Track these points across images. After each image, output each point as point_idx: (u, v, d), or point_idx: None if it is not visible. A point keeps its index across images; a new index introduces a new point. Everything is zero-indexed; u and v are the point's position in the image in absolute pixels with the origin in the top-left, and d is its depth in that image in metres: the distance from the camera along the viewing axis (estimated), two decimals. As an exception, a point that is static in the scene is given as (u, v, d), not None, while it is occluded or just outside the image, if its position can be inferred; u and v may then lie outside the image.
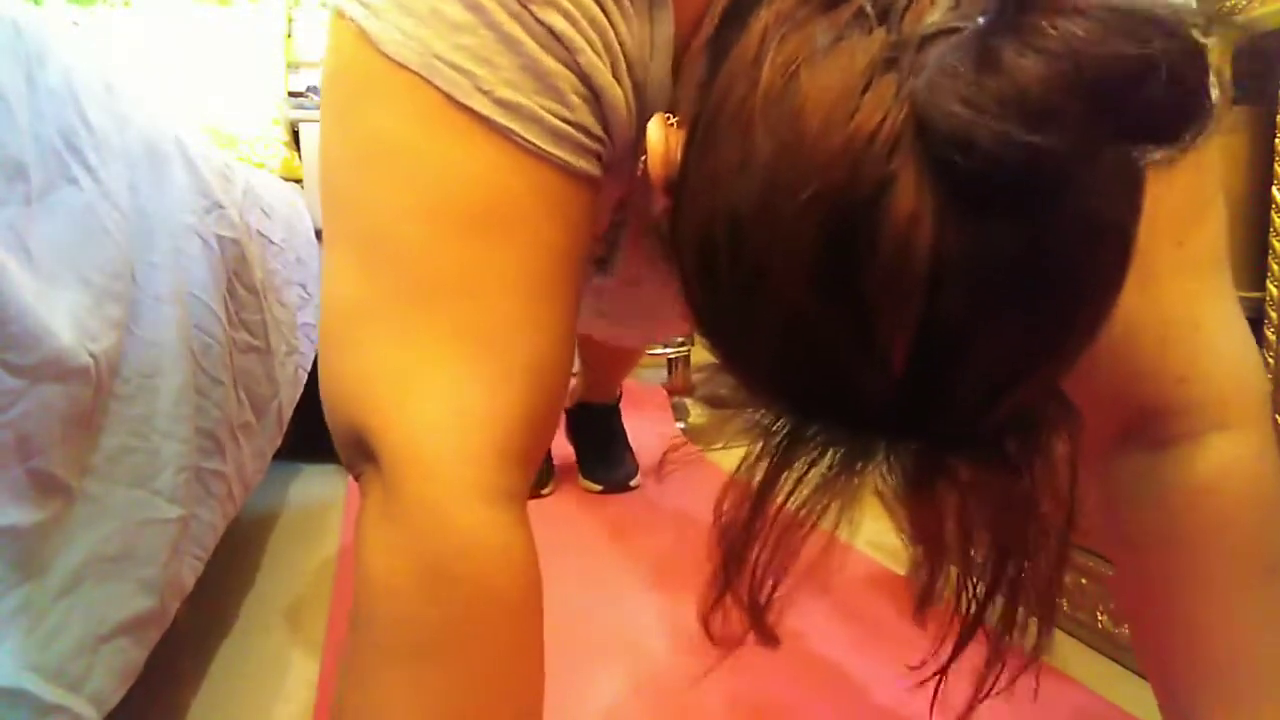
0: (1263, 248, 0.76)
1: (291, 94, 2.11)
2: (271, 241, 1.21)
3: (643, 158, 0.42)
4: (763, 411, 0.39)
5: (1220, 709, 0.51)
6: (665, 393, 2.18)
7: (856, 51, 0.30)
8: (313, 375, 1.55)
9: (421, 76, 0.41)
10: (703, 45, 0.41)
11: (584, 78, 0.42)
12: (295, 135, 1.92)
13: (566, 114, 0.42)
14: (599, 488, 1.51)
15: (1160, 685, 0.56)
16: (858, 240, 0.30)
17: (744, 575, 0.41)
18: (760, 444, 0.39)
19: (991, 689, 0.44)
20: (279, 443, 1.14)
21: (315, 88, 2.09)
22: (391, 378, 0.43)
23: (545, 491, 1.51)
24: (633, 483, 1.53)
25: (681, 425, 2.10)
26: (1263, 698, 0.51)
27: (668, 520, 1.43)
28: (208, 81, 1.96)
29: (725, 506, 0.41)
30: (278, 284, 1.22)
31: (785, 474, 0.38)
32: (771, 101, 0.32)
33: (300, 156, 1.86)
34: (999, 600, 0.41)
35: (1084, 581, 0.94)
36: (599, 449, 1.54)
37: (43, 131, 0.51)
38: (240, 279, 0.96)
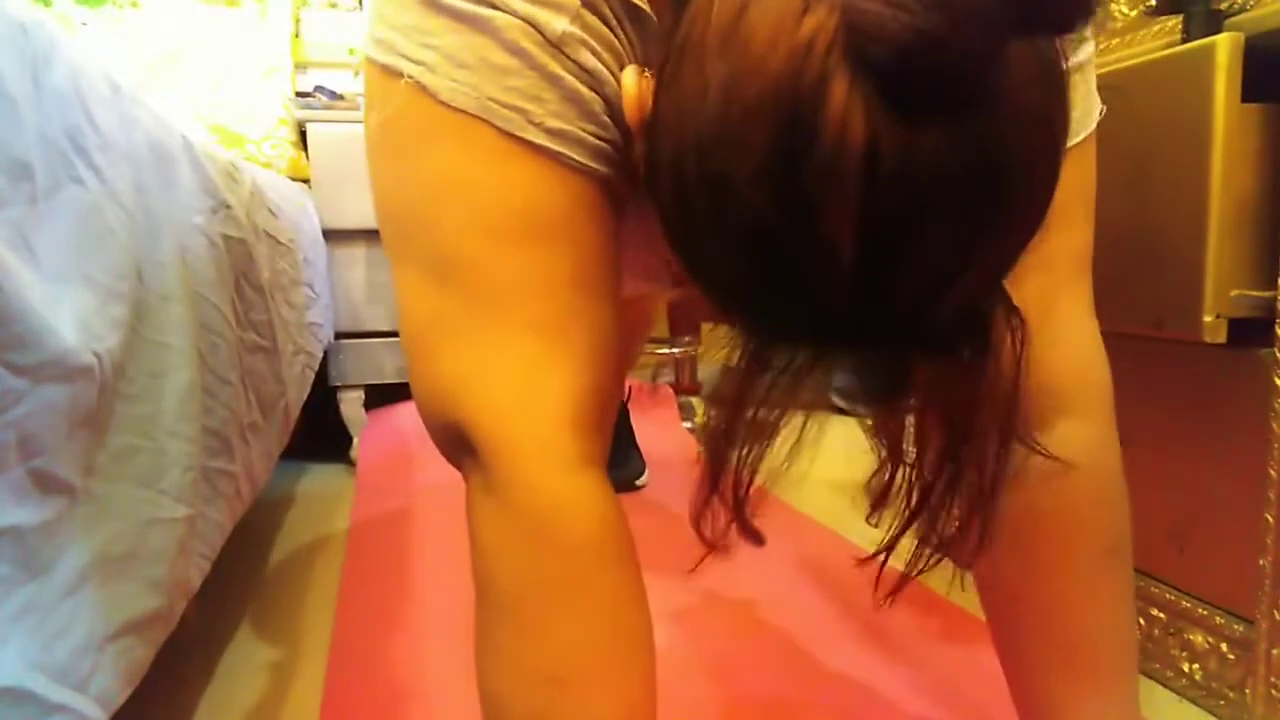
0: (1273, 247, 0.75)
1: (299, 94, 2.11)
2: (279, 241, 1.21)
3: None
4: (738, 323, 0.42)
5: (1064, 683, 0.57)
6: (672, 392, 2.18)
7: None
8: (319, 375, 1.56)
9: (479, 117, 0.47)
10: (667, 2, 0.46)
11: (608, 101, 0.49)
12: (302, 135, 1.92)
13: (601, 132, 0.49)
14: None
15: (1007, 658, 0.62)
16: (800, 139, 0.33)
17: (726, 476, 0.46)
18: (737, 352, 0.43)
19: (923, 567, 0.48)
20: (286, 442, 1.14)
21: (323, 87, 2.09)
22: (473, 375, 0.49)
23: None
24: (639, 481, 1.53)
25: (689, 425, 2.09)
26: (1103, 673, 0.57)
27: (674, 519, 1.43)
28: (215, 82, 1.96)
29: (709, 415, 0.46)
30: (285, 284, 1.22)
31: (758, 378, 0.42)
32: (724, 33, 0.35)
33: (307, 156, 1.87)
34: (940, 490, 0.44)
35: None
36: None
37: (49, 131, 0.51)
38: (247, 279, 0.96)
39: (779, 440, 0.45)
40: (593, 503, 0.50)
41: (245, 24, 2.04)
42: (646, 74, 0.44)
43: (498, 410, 0.49)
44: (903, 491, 0.46)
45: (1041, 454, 0.48)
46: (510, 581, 0.49)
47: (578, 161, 0.48)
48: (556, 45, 0.46)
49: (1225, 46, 0.74)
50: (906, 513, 0.46)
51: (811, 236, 0.34)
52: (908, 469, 0.46)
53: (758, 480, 0.46)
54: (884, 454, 0.46)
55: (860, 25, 0.31)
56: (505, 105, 0.47)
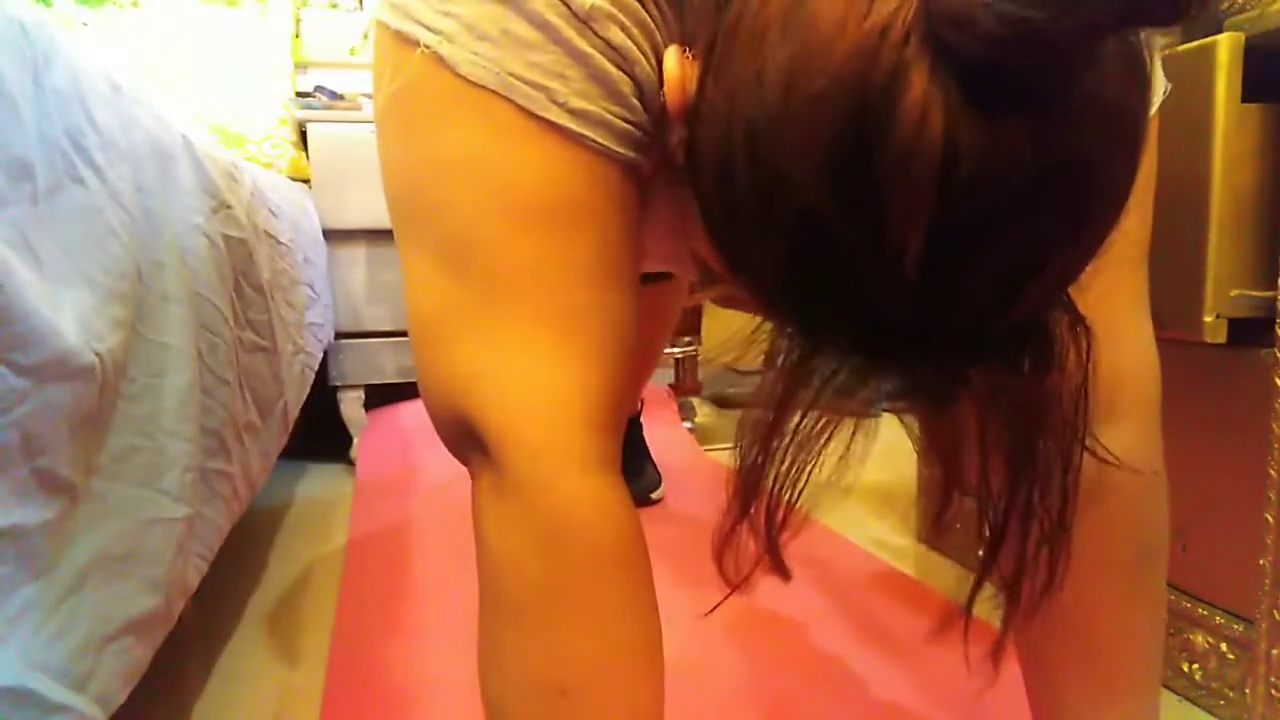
0: (1273, 247, 0.75)
1: (299, 94, 2.11)
2: (279, 241, 1.21)
3: (663, 93, 0.45)
4: (780, 329, 0.40)
5: (1083, 690, 0.55)
6: (672, 392, 2.18)
7: None
8: (319, 375, 1.56)
9: (498, 93, 0.44)
10: None
11: (638, 83, 0.46)
12: (303, 135, 1.92)
13: (628, 115, 0.46)
14: None
15: (1028, 661, 0.60)
16: (871, 132, 0.30)
17: (760, 499, 0.42)
18: (778, 361, 0.40)
19: (1010, 626, 0.45)
20: (285, 442, 1.14)
21: (323, 88, 2.09)
22: (485, 369, 0.47)
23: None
24: (655, 494, 1.52)
25: (689, 425, 2.09)
26: (1124, 682, 0.55)
27: (669, 520, 1.43)
28: (215, 82, 1.96)
29: (744, 432, 0.42)
30: (285, 284, 1.22)
31: (801, 391, 0.39)
32: (785, 12, 0.33)
33: (307, 156, 1.86)
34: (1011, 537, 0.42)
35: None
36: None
37: (49, 131, 0.51)
38: (247, 279, 0.96)
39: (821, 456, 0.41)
40: (607, 506, 0.47)
41: (245, 24, 2.04)
42: (689, 55, 0.42)
43: (510, 406, 0.46)
44: (954, 515, 0.43)
45: (1112, 463, 0.45)
46: (518, 586, 0.47)
47: (601, 145, 0.45)
48: (584, 20, 0.43)
49: (1225, 46, 0.74)
50: (981, 551, 0.43)
51: (876, 236, 0.32)
52: (977, 499, 0.42)
53: (796, 504, 0.42)
54: (940, 475, 0.43)
55: (945, 11, 0.29)
56: (527, 82, 0.44)
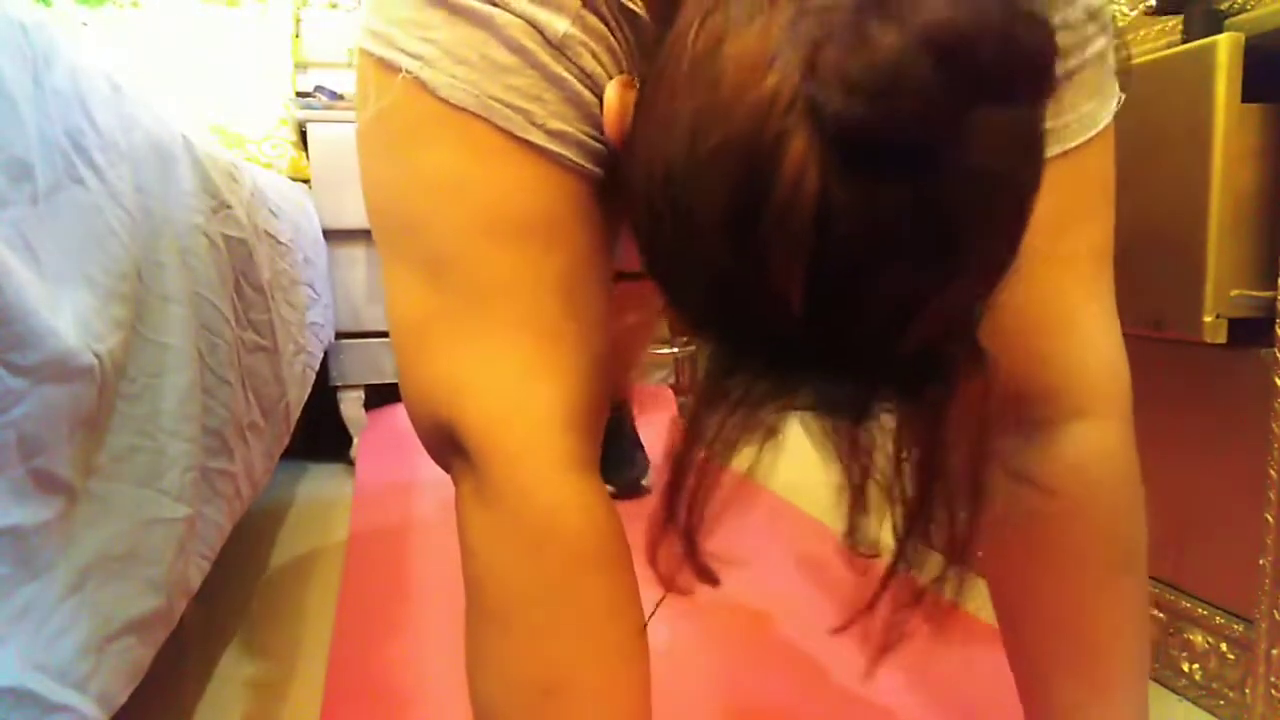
0: (1273, 247, 0.75)
1: (299, 94, 2.11)
2: (279, 241, 1.21)
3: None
4: (703, 345, 0.42)
5: (1072, 687, 0.56)
6: (672, 393, 2.17)
7: (771, 24, 0.34)
8: (320, 375, 1.56)
9: (478, 115, 0.46)
10: (658, 7, 0.47)
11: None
12: (303, 135, 1.92)
13: (598, 134, 0.48)
14: (611, 490, 1.50)
15: (1017, 661, 0.61)
16: (758, 188, 0.33)
17: (681, 507, 0.44)
18: (700, 377, 0.42)
19: (902, 629, 0.48)
20: (286, 442, 1.14)
21: (323, 88, 2.09)
22: (465, 376, 0.48)
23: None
24: (645, 481, 1.53)
25: (688, 425, 2.09)
26: (1113, 678, 0.56)
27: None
28: (216, 82, 1.96)
29: (673, 441, 0.44)
30: (285, 284, 1.22)
31: (717, 405, 0.41)
32: (697, 67, 0.35)
33: (307, 156, 1.86)
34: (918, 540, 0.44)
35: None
36: (609, 448, 1.54)
37: (49, 132, 0.51)
38: (247, 279, 0.96)
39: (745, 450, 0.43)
40: (587, 507, 0.49)
41: (245, 24, 2.04)
42: (634, 84, 0.45)
43: (490, 412, 0.48)
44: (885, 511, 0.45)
45: (1026, 482, 0.49)
46: (502, 588, 0.48)
47: (576, 163, 0.48)
48: (558, 47, 0.46)
49: (1225, 46, 0.74)
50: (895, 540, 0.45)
51: (764, 281, 0.34)
52: (889, 484, 0.44)
53: (707, 509, 0.44)
54: (849, 472, 0.45)
55: (819, 88, 0.32)
56: (506, 104, 0.46)
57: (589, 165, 0.48)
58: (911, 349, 0.36)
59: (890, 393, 0.40)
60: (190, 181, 0.80)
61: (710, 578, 0.47)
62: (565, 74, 0.46)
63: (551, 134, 0.47)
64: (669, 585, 0.46)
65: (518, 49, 0.45)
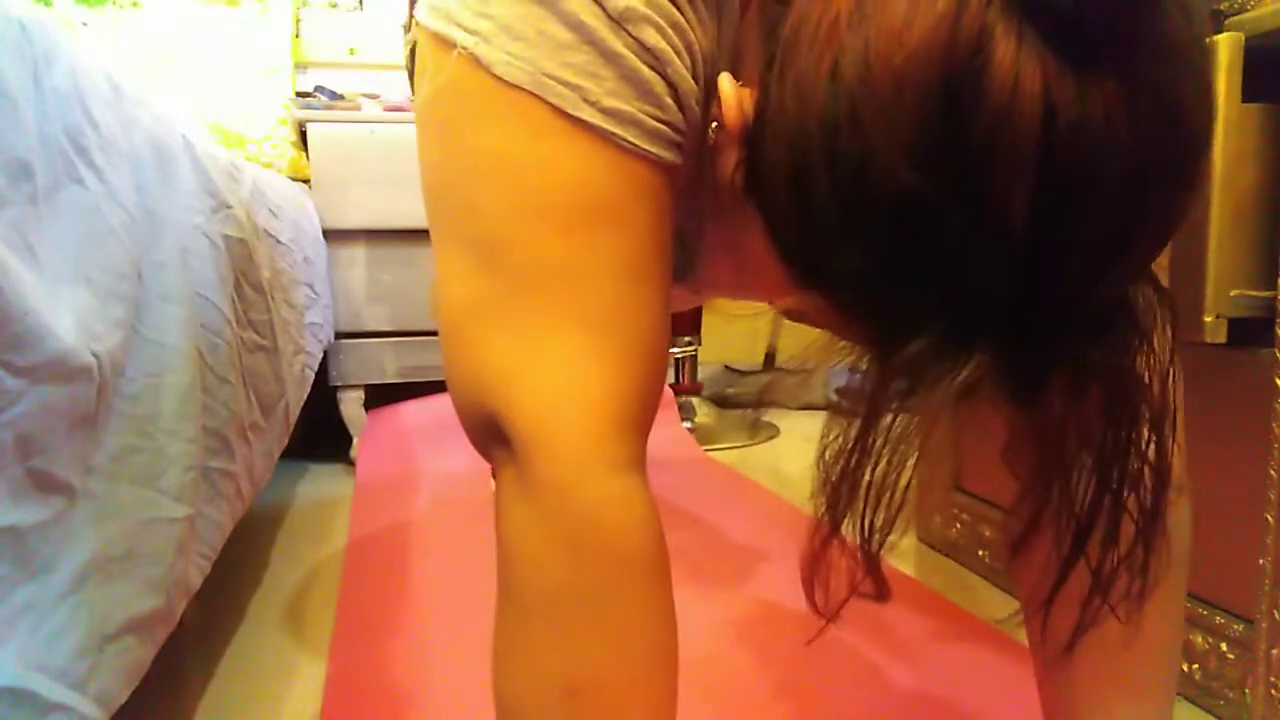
0: (1273, 247, 0.75)
1: (299, 94, 2.11)
2: (279, 241, 1.21)
3: (713, 125, 0.46)
4: (866, 324, 0.39)
5: (1099, 683, 0.55)
6: (672, 393, 2.18)
7: None
8: (319, 375, 1.56)
9: (532, 93, 0.44)
10: (758, 7, 0.45)
11: (671, 83, 0.46)
12: (303, 135, 1.92)
13: (660, 114, 0.46)
14: None
15: (1042, 660, 0.59)
16: (962, 99, 0.31)
17: (854, 508, 0.41)
18: (864, 362, 0.39)
19: (1093, 620, 0.45)
20: (286, 442, 1.14)
21: (323, 88, 2.09)
22: (513, 366, 0.47)
23: None
24: None
25: (689, 425, 2.09)
26: (1139, 683, 0.55)
27: (670, 520, 1.43)
28: (216, 82, 1.96)
29: (828, 439, 0.41)
30: (285, 283, 1.22)
31: (889, 386, 0.37)
32: (852, 8, 0.33)
33: (307, 156, 1.87)
34: (1100, 527, 0.41)
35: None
36: None
37: (49, 131, 0.51)
38: (247, 278, 0.96)
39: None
40: (632, 510, 0.47)
41: (245, 24, 2.05)
42: (741, 82, 0.43)
43: (537, 404, 0.46)
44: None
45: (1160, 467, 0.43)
46: (535, 583, 0.47)
47: (633, 144, 0.46)
48: (618, 21, 0.44)
49: (1225, 46, 0.74)
50: (1061, 556, 0.42)
51: (977, 205, 0.32)
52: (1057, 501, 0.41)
53: (895, 513, 0.40)
54: (1022, 484, 0.41)
55: None
56: (561, 81, 0.44)
57: (648, 147, 0.46)
58: (1121, 281, 0.34)
59: (1077, 349, 0.36)
60: (190, 181, 0.80)
61: (885, 590, 0.44)
62: (623, 50, 0.44)
63: (606, 112, 0.45)
64: (829, 619, 0.44)
65: (575, 24, 0.44)
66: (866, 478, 0.40)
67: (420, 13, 0.48)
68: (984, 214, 0.32)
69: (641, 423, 0.49)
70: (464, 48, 0.45)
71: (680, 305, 1.26)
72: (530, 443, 0.46)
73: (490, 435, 0.48)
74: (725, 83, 0.43)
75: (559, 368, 0.46)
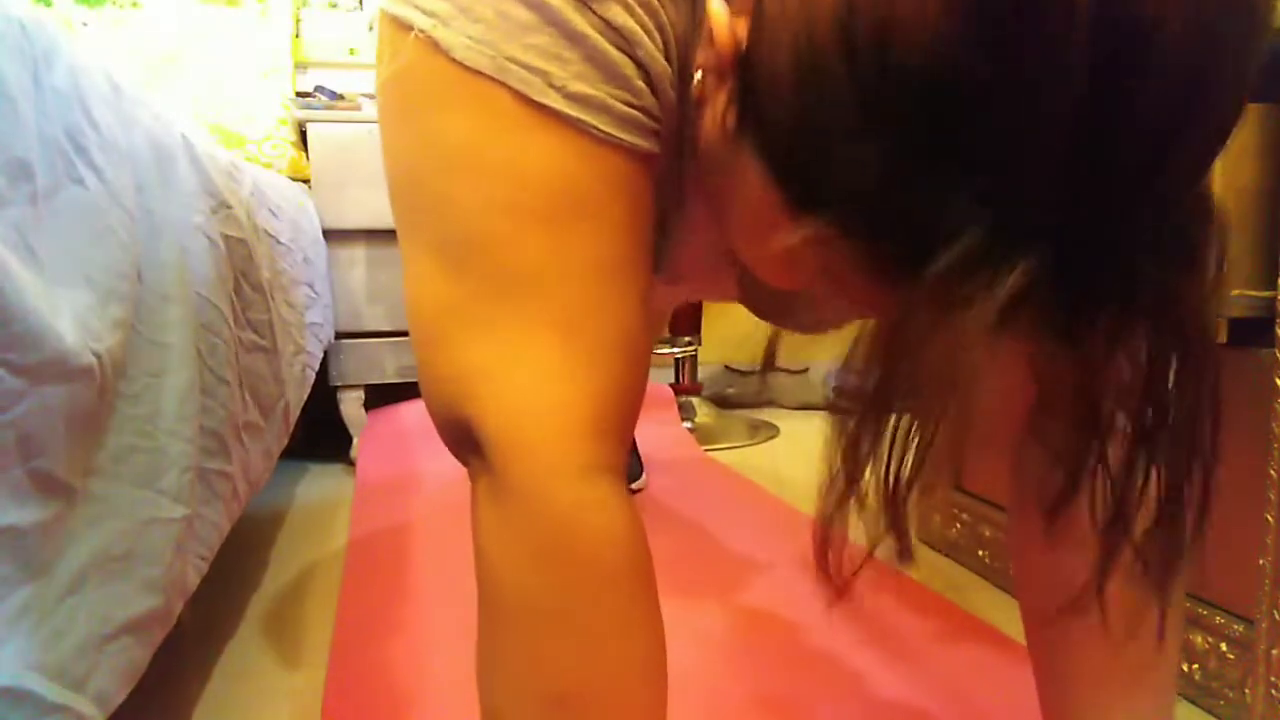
0: (1273, 246, 0.75)
1: (299, 94, 2.12)
2: (279, 241, 1.21)
3: (697, 77, 0.43)
4: (884, 245, 0.34)
5: (1098, 679, 0.54)
6: (672, 392, 2.18)
7: None
8: (319, 375, 1.56)
9: (494, 79, 0.42)
10: None
11: (642, 65, 0.44)
12: (303, 135, 1.92)
13: (632, 99, 0.44)
14: None
15: (1040, 659, 0.58)
16: None
17: (878, 454, 0.36)
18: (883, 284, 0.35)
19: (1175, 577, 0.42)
20: (285, 442, 1.14)
21: (323, 88, 2.09)
22: (486, 369, 0.45)
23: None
24: (635, 485, 1.53)
25: (689, 425, 2.09)
26: (1139, 681, 0.54)
27: (669, 521, 1.43)
28: (215, 81, 1.96)
29: (850, 372, 0.37)
30: (285, 283, 1.22)
31: (920, 311, 0.32)
32: None
33: (307, 156, 1.87)
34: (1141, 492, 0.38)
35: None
36: None
37: (49, 131, 0.51)
38: (247, 278, 0.96)
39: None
40: (608, 514, 0.46)
41: (245, 24, 2.05)
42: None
43: (510, 410, 0.45)
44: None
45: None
46: (513, 591, 0.46)
47: (604, 132, 0.43)
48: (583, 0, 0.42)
49: (1225, 46, 0.74)
50: (1103, 517, 0.38)
51: (1022, 72, 0.28)
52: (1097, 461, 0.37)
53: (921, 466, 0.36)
54: (1058, 447, 0.38)
55: None
56: (523, 65, 0.42)
57: (619, 134, 0.44)
58: (1173, 185, 0.31)
59: (1131, 263, 0.32)
60: (190, 181, 0.80)
61: (908, 551, 0.39)
62: (588, 30, 0.42)
63: (572, 97, 0.42)
64: (841, 592, 0.40)
65: (537, 5, 0.41)
66: (892, 421, 0.35)
67: None
68: (1032, 79, 0.28)
69: (618, 424, 0.47)
70: (421, 30, 0.43)
71: (659, 299, 1.25)
72: (502, 448, 0.45)
73: (464, 441, 0.47)
74: (715, 6, 0.39)
75: (530, 371, 0.45)
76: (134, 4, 1.94)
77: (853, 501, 0.38)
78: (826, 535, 0.38)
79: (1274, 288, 0.72)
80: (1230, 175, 0.75)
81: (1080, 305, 0.33)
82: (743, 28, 0.38)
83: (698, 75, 0.43)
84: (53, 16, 1.82)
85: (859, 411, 0.36)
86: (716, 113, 0.41)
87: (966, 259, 0.31)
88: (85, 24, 1.89)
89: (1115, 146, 0.29)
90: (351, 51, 2.24)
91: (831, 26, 0.32)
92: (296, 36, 2.19)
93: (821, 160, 0.34)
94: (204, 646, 1.00)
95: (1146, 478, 0.38)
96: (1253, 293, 0.76)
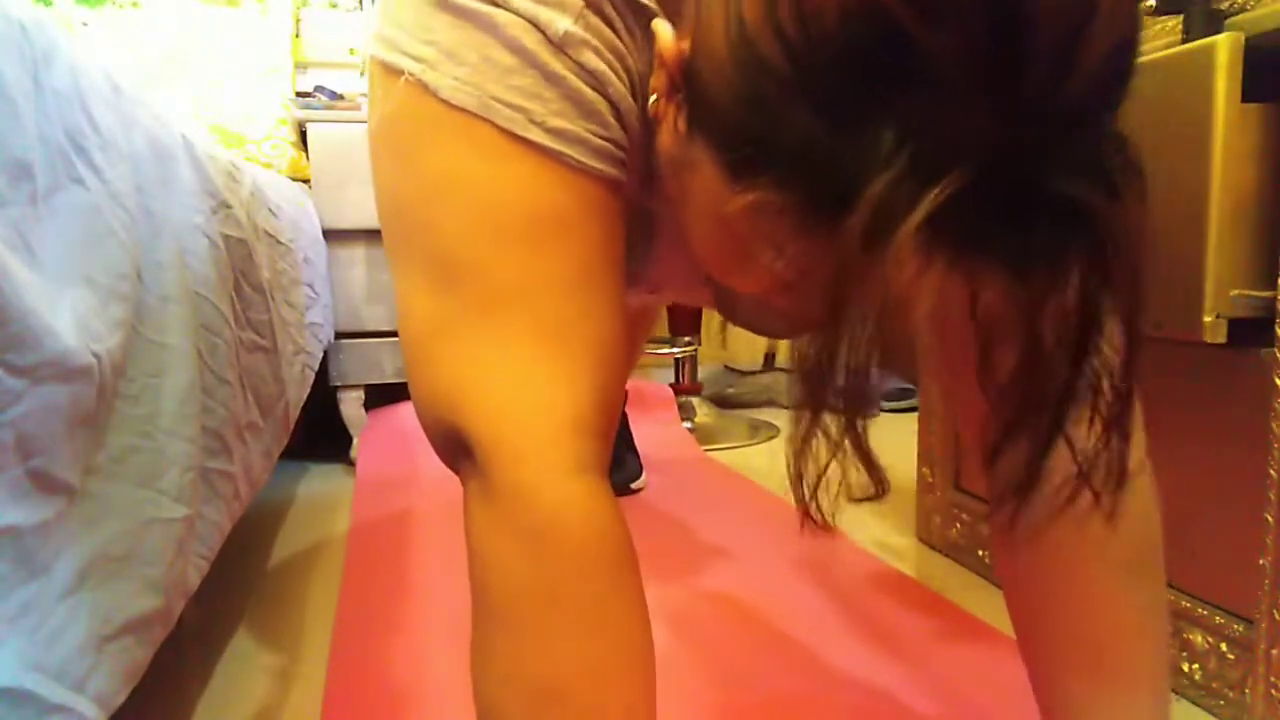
0: (1273, 247, 0.75)
1: (299, 94, 2.11)
2: (279, 241, 1.21)
3: (652, 98, 0.47)
4: (817, 207, 0.36)
5: (1088, 685, 0.56)
6: (672, 393, 2.18)
7: None
8: (320, 375, 1.56)
9: (480, 116, 0.46)
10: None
11: (613, 102, 0.49)
12: (302, 135, 1.92)
13: (604, 132, 0.49)
14: None
15: (1032, 659, 0.60)
16: None
17: (832, 389, 0.38)
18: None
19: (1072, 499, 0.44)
20: (286, 442, 1.14)
21: (323, 88, 2.09)
22: (474, 380, 0.49)
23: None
24: (635, 485, 1.53)
25: (689, 425, 2.09)
26: (1131, 677, 0.55)
27: (670, 521, 1.43)
28: (215, 82, 1.96)
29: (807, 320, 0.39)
30: (285, 284, 1.22)
31: (857, 244, 0.34)
32: None
33: (307, 156, 1.87)
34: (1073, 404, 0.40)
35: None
36: None
37: (49, 132, 0.51)
38: (247, 278, 0.96)
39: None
40: (592, 510, 0.49)
41: (245, 24, 2.05)
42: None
43: (496, 414, 0.48)
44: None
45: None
46: (507, 589, 0.48)
47: (580, 161, 0.48)
48: (559, 45, 0.46)
49: (1225, 46, 0.74)
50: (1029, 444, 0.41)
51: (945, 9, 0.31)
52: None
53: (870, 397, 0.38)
54: (1003, 391, 0.40)
55: None
56: (507, 104, 0.46)
57: (594, 163, 0.48)
58: (1084, 85, 0.32)
59: (1055, 181, 0.34)
60: (190, 181, 0.80)
61: (882, 483, 0.42)
62: (565, 72, 0.46)
63: (552, 131, 0.47)
64: (813, 515, 0.43)
65: (518, 49, 0.46)
66: (842, 357, 0.37)
67: (371, 47, 0.50)
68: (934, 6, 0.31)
69: (600, 424, 0.50)
70: (411, 74, 0.47)
71: (642, 307, 1.28)
72: (490, 450, 0.48)
73: (455, 449, 0.50)
74: (659, 23, 0.44)
75: (515, 379, 0.48)
76: (134, 4, 1.94)
77: (820, 435, 0.41)
78: (801, 468, 0.42)
79: (1274, 288, 0.72)
80: (1230, 175, 0.75)
81: (1007, 228, 0.34)
82: (688, 43, 0.42)
83: (653, 98, 0.47)
84: (53, 16, 1.82)
85: (814, 346, 0.38)
86: (670, 123, 0.45)
87: (892, 187, 0.33)
88: (85, 24, 1.89)
89: (1022, 46, 0.31)
90: (351, 51, 2.24)
91: (762, 18, 0.35)
92: (296, 36, 2.19)
93: (760, 126, 0.37)
94: (205, 646, 1.00)
95: (1077, 388, 0.40)
96: (1253, 293, 0.76)
